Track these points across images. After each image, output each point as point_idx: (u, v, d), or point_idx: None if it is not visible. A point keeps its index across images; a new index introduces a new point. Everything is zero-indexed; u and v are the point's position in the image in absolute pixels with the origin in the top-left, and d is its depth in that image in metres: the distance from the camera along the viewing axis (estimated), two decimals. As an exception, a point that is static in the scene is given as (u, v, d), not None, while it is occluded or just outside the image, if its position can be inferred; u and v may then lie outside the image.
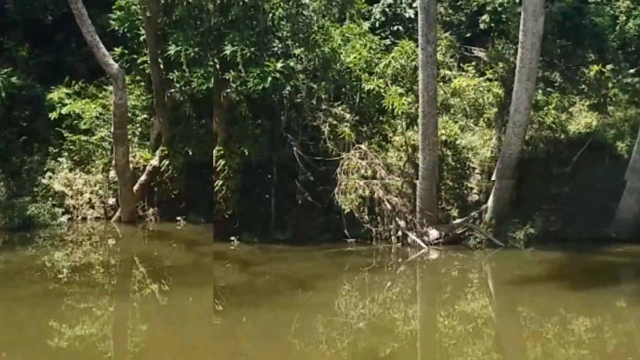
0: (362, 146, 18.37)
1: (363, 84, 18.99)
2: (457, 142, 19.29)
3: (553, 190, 18.85)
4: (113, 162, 19.02)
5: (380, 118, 19.49)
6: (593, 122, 19.96)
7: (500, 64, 20.88)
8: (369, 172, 17.90)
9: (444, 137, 18.85)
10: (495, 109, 19.98)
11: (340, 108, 19.24)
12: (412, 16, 21.19)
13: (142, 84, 20.35)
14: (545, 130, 19.74)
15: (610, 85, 20.89)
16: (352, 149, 18.27)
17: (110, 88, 18.97)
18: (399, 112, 18.53)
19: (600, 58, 21.24)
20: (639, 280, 16.72)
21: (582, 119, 20.01)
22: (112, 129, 18.49)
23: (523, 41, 17.14)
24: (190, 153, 18.88)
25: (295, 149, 18.19)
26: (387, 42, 20.76)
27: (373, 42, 20.06)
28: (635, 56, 21.64)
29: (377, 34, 21.03)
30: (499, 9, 21.42)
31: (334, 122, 18.68)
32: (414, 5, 20.16)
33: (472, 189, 19.13)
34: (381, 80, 19.05)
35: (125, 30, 19.38)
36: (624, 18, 21.68)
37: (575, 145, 19.32)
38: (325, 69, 19.18)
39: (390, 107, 18.53)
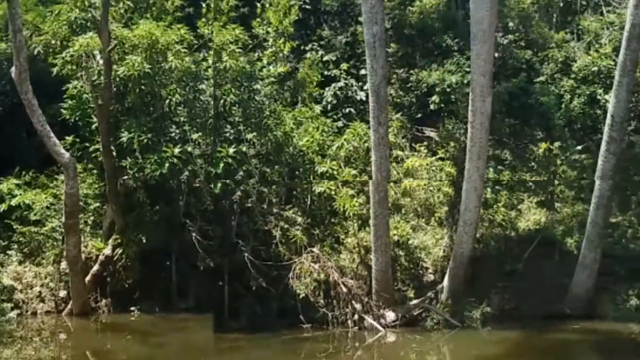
0: (314, 250, 18.42)
1: (316, 167, 19.16)
2: (410, 242, 19.44)
3: (507, 267, 19.09)
4: (64, 253, 18.60)
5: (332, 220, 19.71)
6: (542, 218, 20.33)
7: (452, 144, 21.28)
8: (322, 276, 17.93)
9: (396, 238, 18.96)
10: (446, 208, 20.23)
11: (292, 211, 19.29)
12: (364, 98, 21.62)
13: (95, 172, 20.13)
14: (496, 228, 20.09)
15: (558, 162, 21.36)
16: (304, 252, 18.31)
17: (62, 177, 18.72)
18: (350, 214, 18.68)
19: (548, 136, 21.78)
20: (593, 357, 16.82)
21: (532, 216, 20.37)
22: (63, 219, 18.20)
23: (472, 121, 17.45)
24: (144, 240, 18.59)
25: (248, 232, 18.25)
26: (340, 124, 21.10)
27: (325, 124, 20.34)
28: (582, 133, 22.18)
29: (330, 116, 21.36)
30: (448, 89, 21.98)
31: (286, 226, 18.70)
32: (365, 87, 20.49)
33: (427, 268, 19.23)
34: (334, 162, 19.22)
35: (77, 118, 19.34)
36: (569, 97, 22.26)
37: (526, 243, 19.69)
38: (278, 153, 19.36)
39: (342, 209, 18.74)
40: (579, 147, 21.58)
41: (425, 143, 21.83)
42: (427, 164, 20.74)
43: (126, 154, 18.25)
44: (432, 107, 22.23)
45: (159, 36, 18.42)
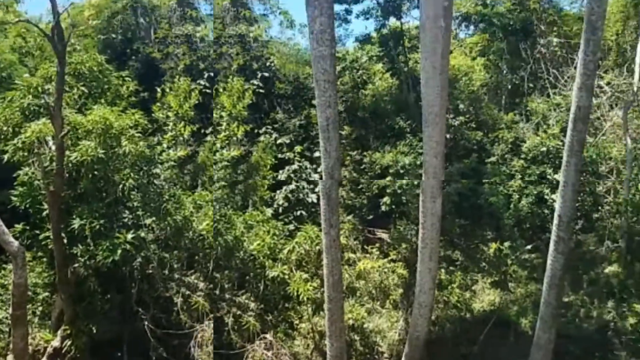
0: (267, 336, 18.22)
1: (267, 271, 18.95)
2: (365, 325, 19.26)
3: (463, 349, 19.03)
4: (10, 346, 17.94)
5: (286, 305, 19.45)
6: (496, 299, 20.43)
7: (403, 245, 21.35)
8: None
9: (351, 322, 18.83)
10: (401, 290, 20.22)
11: (244, 297, 19.09)
12: (315, 201, 21.62)
13: (44, 260, 19.71)
14: (451, 309, 20.11)
15: (509, 262, 21.51)
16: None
17: (10, 266, 18.30)
18: (304, 298, 18.52)
19: (498, 236, 21.98)
20: None
21: (486, 297, 20.50)
22: (10, 310, 17.62)
23: (423, 222, 17.40)
24: (95, 331, 18.10)
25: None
26: (291, 227, 21.07)
27: (276, 227, 20.26)
28: (531, 232, 22.42)
29: (281, 219, 21.32)
30: (399, 191, 22.14)
31: (238, 312, 18.43)
32: (316, 190, 20.49)
33: (382, 353, 19.06)
34: (285, 267, 19.08)
35: (27, 205, 18.97)
36: (517, 197, 22.52)
37: (481, 324, 19.71)
38: (229, 258, 19.24)
39: (296, 294, 18.52)
40: (529, 247, 21.77)
41: (377, 245, 21.78)
42: (379, 266, 20.67)
43: (77, 241, 17.92)
44: (383, 208, 22.37)
45: (113, 121, 18.38)
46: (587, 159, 21.92)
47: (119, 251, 17.29)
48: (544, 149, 22.86)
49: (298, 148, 23.31)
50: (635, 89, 23.32)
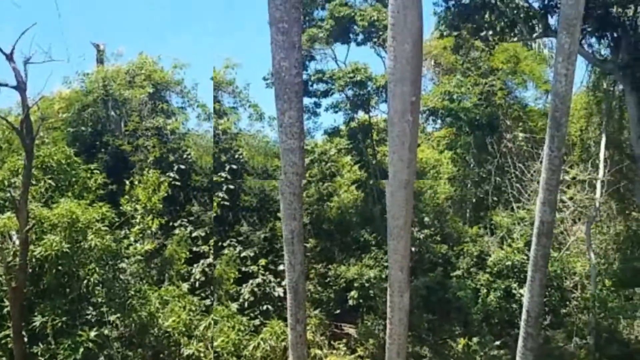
0: None
1: None
2: None
3: None
4: None
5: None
6: None
7: (371, 341, 21.06)
8: None
9: None
10: None
11: None
12: (281, 295, 21.36)
13: (3, 359, 19.06)
14: None
15: (478, 358, 21.29)
16: None
17: (-34, 367, 17.66)
18: None
19: (466, 331, 21.89)
20: None
21: None
22: (-35, 413, 16.96)
23: (391, 317, 17.15)
24: None
25: None
26: (257, 322, 20.82)
27: (241, 323, 20.09)
28: (499, 327, 22.25)
29: (247, 314, 21.06)
30: (367, 284, 22.07)
31: None
32: (283, 283, 20.24)
33: None
34: None
35: (-13, 305, 18.52)
36: (485, 291, 22.49)
37: None
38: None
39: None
40: (497, 342, 21.58)
41: (344, 340, 21.51)
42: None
43: (38, 339, 17.61)
44: (350, 302, 22.26)
45: (79, 214, 18.24)
46: (552, 274, 21.86)
47: (81, 350, 17.07)
48: (509, 263, 22.72)
49: (262, 261, 23.04)
50: (597, 204, 23.88)
